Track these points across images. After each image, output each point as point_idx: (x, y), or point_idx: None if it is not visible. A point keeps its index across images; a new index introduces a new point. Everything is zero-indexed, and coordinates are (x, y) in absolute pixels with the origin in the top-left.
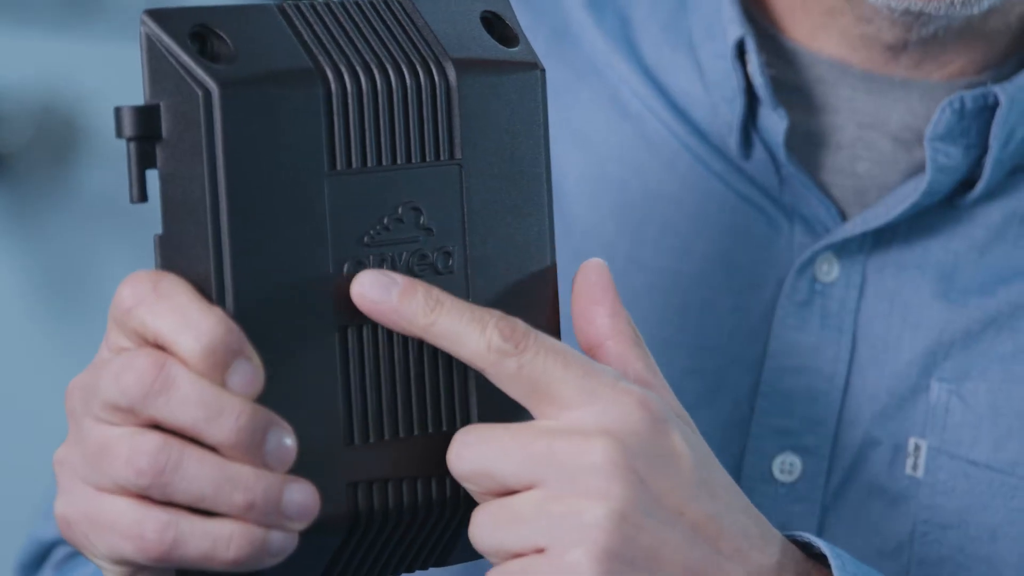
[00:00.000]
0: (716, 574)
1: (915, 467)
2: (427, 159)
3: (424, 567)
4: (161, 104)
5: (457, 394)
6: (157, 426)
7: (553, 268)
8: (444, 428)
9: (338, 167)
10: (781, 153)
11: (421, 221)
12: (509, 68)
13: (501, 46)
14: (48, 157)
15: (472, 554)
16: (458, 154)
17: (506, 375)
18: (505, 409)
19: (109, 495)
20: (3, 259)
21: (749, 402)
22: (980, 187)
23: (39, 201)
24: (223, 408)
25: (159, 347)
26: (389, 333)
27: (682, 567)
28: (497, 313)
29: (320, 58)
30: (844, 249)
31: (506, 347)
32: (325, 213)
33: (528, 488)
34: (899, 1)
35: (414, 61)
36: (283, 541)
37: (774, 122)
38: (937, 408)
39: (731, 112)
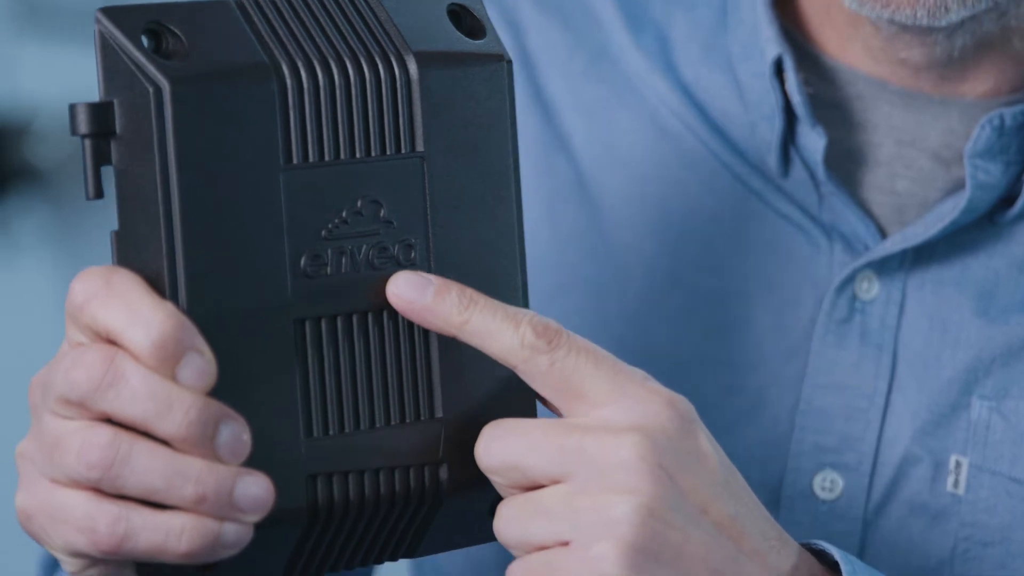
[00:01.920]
0: (737, 573)
1: (956, 484)
2: (387, 152)
3: (393, 559)
4: (115, 101)
5: (421, 386)
6: (111, 420)
7: (521, 264)
8: (407, 420)
9: (294, 161)
10: (820, 171)
11: (381, 214)
12: (474, 60)
13: (467, 38)
14: None
15: (441, 546)
16: (420, 147)
17: (538, 372)
18: (470, 402)
19: (64, 488)
20: (42, 273)
21: (789, 419)
22: (1020, 204)
23: (77, 216)
24: (172, 402)
25: (111, 342)
26: (348, 326)
27: (705, 564)
28: (530, 312)
29: (276, 52)
30: (884, 267)
31: (539, 344)
32: (281, 207)
33: (556, 482)
34: (872, 9)
35: (373, 54)
36: (237, 534)
37: (813, 140)
38: (978, 425)
39: (770, 130)
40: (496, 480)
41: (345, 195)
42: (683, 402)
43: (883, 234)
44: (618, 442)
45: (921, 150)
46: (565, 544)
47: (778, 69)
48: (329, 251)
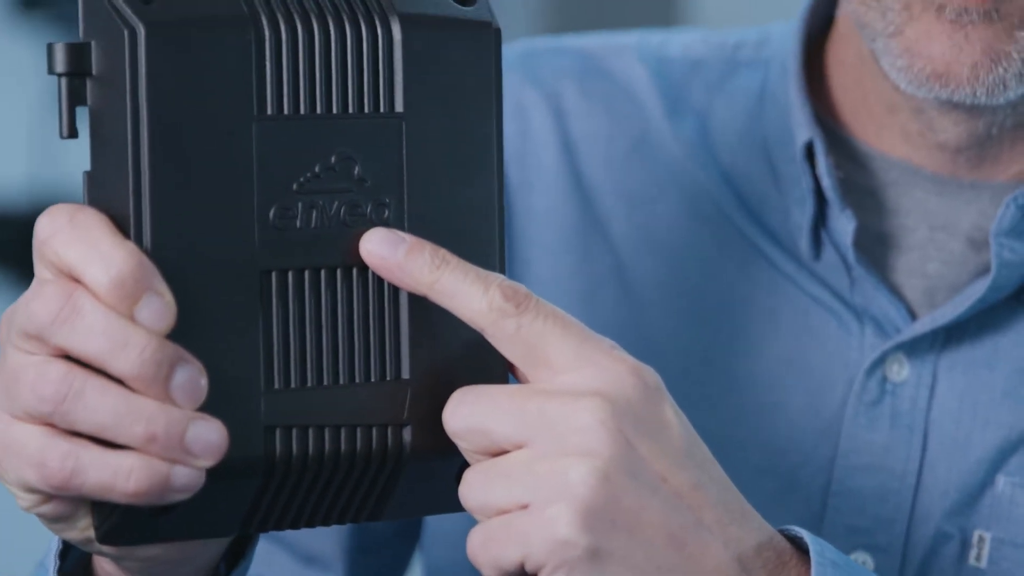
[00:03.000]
0: (696, 542)
1: (979, 558)
2: (365, 110)
3: (356, 520)
4: (92, 42)
5: (389, 346)
6: (69, 358)
7: (499, 231)
8: (372, 379)
9: (269, 112)
10: (851, 255)
11: (356, 172)
12: (460, 26)
13: (455, 4)
14: None
15: (407, 511)
16: (399, 107)
17: (505, 335)
18: (438, 365)
19: (20, 423)
20: None
21: (821, 501)
22: None
23: None
24: (128, 340)
25: (74, 279)
26: (316, 280)
27: (663, 531)
28: (500, 276)
29: (256, 3)
30: (914, 349)
31: (507, 307)
32: (252, 157)
33: (518, 447)
34: (931, 90)
35: (357, 12)
36: (187, 477)
37: (843, 223)
38: (1001, 500)
39: (802, 214)
40: (462, 445)
41: (319, 150)
42: (649, 371)
43: (914, 317)
44: (578, 406)
45: (953, 234)
46: (524, 507)
47: (810, 154)
48: (300, 204)
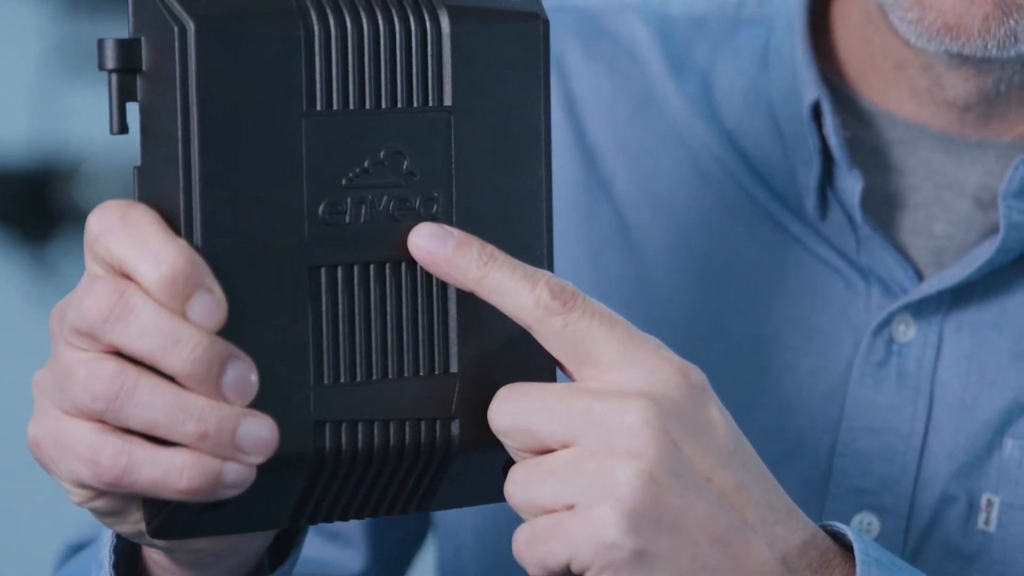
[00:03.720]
0: (739, 542)
1: (987, 522)
2: (414, 104)
3: (404, 511)
4: (143, 38)
5: (437, 340)
6: (121, 354)
7: (548, 226)
8: (420, 373)
9: (318, 107)
10: (857, 214)
11: (404, 166)
12: (509, 17)
13: None
14: None
15: (453, 502)
16: (447, 101)
17: (552, 333)
18: (486, 359)
19: (71, 419)
20: None
21: (827, 462)
22: None
23: None
24: (179, 337)
25: (126, 276)
26: (365, 275)
27: (707, 531)
28: (548, 273)
29: None
30: (921, 309)
31: (554, 305)
32: (301, 153)
33: (564, 446)
34: (942, 43)
35: (406, 5)
36: (238, 474)
37: (850, 183)
38: (1009, 464)
39: (808, 174)
40: (508, 443)
41: (368, 145)
42: (694, 371)
43: (920, 277)
44: (625, 407)
45: (959, 193)
46: (570, 507)
47: (816, 113)
48: (349, 200)
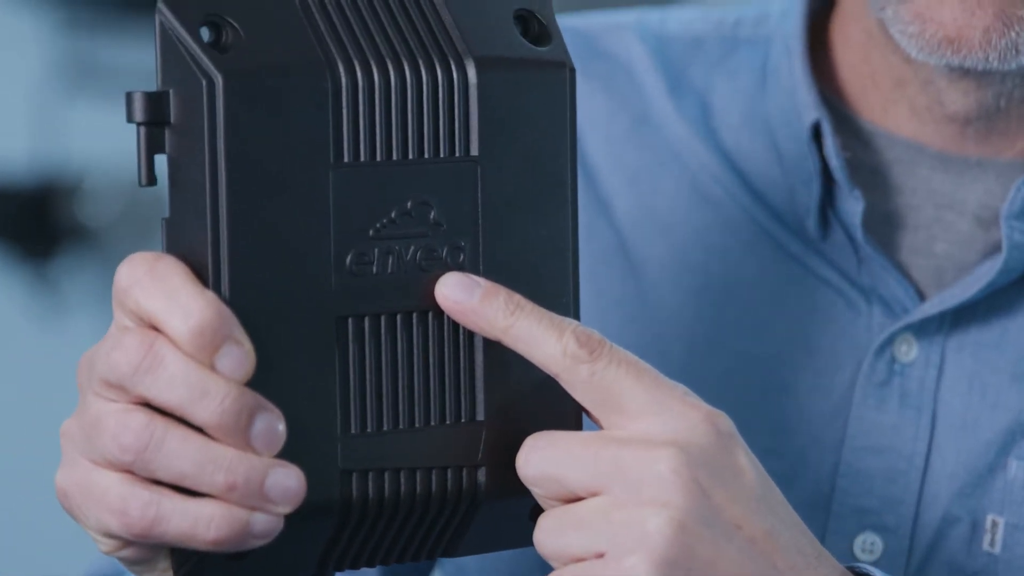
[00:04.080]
0: None
1: (992, 543)
2: (441, 155)
3: (431, 557)
4: (171, 91)
5: (463, 388)
6: (150, 405)
7: (573, 274)
8: (447, 421)
9: (345, 159)
10: (859, 235)
11: (432, 216)
12: (536, 66)
13: (530, 44)
14: (136, 232)
15: (480, 547)
16: (474, 151)
17: (579, 381)
18: (513, 407)
19: (100, 469)
20: (92, 332)
21: (830, 482)
22: None
23: None
24: (208, 389)
25: (154, 327)
26: (392, 325)
27: None
28: (575, 322)
29: (333, 49)
30: (923, 329)
31: (581, 354)
32: (329, 204)
33: (593, 495)
34: (944, 56)
35: (432, 56)
36: (267, 524)
37: (851, 204)
38: (1014, 485)
39: (808, 195)
40: (536, 492)
41: (395, 195)
42: (722, 417)
43: (922, 297)
44: (654, 456)
45: (960, 213)
46: (601, 556)
47: (816, 134)
48: (376, 250)
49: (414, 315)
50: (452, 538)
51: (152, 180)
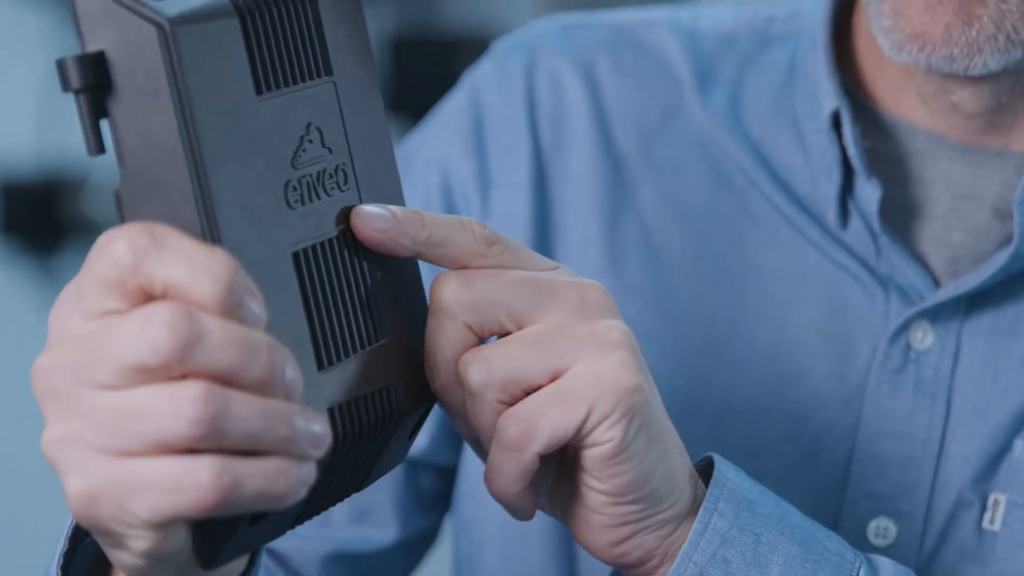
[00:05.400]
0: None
1: (992, 521)
2: (314, 78)
3: (352, 492)
4: (105, 50)
5: (372, 312)
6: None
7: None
8: (369, 345)
9: (262, 91)
10: (875, 223)
11: (324, 140)
12: None
13: None
14: None
15: (380, 472)
16: (331, 71)
17: (496, 262)
18: (406, 321)
19: (140, 458)
20: None
21: (844, 467)
22: None
23: None
24: (254, 347)
25: (153, 298)
26: (327, 253)
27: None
28: (459, 215)
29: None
30: (938, 316)
31: (491, 235)
32: (266, 139)
33: (532, 322)
34: (910, 53)
35: None
36: (311, 471)
37: (868, 192)
38: (1018, 464)
39: (829, 184)
40: (467, 319)
41: (298, 123)
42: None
43: (938, 286)
44: (583, 283)
45: (978, 204)
46: (561, 372)
47: (836, 123)
48: (301, 180)
49: (334, 240)
50: (369, 467)
51: (101, 148)
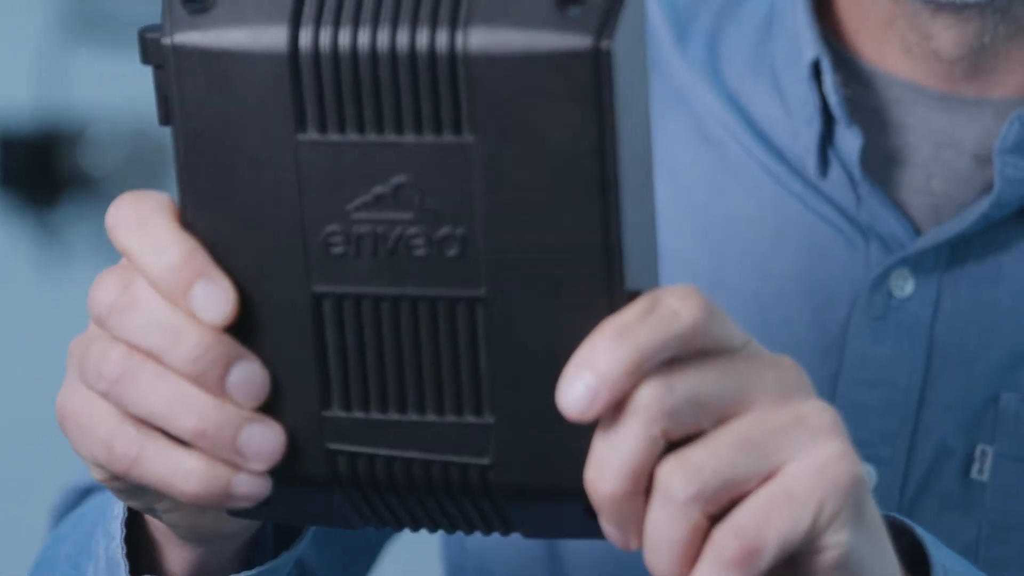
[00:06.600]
0: None
1: (981, 471)
2: (424, 133)
3: (487, 532)
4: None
5: (464, 384)
6: None
7: (609, 274)
8: (445, 416)
9: (308, 131)
10: (856, 171)
11: (416, 199)
12: (553, 39)
13: (555, 8)
14: (140, 180)
15: (542, 533)
16: (467, 133)
17: (699, 347)
18: (526, 401)
19: (96, 398)
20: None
21: None
22: None
23: None
24: (182, 333)
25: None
26: (375, 308)
27: None
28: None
29: (306, 8)
30: (919, 264)
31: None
32: (299, 178)
33: (737, 413)
34: None
35: (422, 18)
36: (250, 486)
37: (849, 140)
38: (1006, 415)
39: (809, 133)
40: (668, 425)
41: (377, 173)
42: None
43: (919, 235)
44: (775, 358)
45: (958, 151)
46: (775, 472)
47: (816, 72)
48: (354, 227)
49: (401, 301)
50: (496, 520)
51: (168, 120)
